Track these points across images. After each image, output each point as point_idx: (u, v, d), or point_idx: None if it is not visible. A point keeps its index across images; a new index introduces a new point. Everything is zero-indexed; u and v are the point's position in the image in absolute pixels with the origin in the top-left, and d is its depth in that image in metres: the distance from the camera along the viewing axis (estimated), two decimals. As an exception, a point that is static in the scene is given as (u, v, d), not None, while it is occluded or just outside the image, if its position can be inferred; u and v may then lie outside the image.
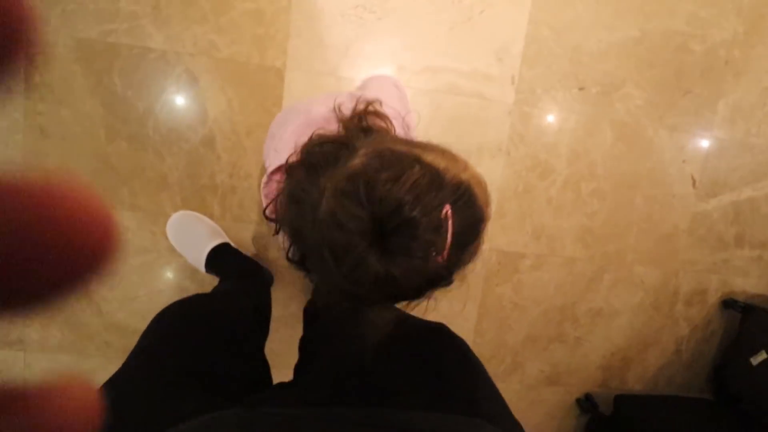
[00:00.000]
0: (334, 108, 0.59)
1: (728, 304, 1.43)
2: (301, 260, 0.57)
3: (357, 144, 0.50)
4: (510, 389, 1.44)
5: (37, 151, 1.14)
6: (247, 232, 1.25)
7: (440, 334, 0.62)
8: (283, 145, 0.61)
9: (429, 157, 0.46)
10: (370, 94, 0.65)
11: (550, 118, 1.29)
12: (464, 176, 0.47)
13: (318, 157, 0.51)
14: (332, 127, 0.58)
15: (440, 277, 0.48)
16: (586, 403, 1.45)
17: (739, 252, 1.43)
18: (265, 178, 0.64)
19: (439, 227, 0.44)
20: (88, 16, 1.10)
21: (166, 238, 1.20)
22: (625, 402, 1.36)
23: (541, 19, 1.23)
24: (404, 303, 0.53)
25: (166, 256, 1.23)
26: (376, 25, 1.19)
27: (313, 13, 1.16)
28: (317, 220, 0.46)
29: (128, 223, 1.20)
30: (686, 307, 1.46)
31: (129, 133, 1.16)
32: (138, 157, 1.17)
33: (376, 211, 0.43)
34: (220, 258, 1.15)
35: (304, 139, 0.56)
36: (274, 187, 0.62)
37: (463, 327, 1.37)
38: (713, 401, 1.43)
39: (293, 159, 0.56)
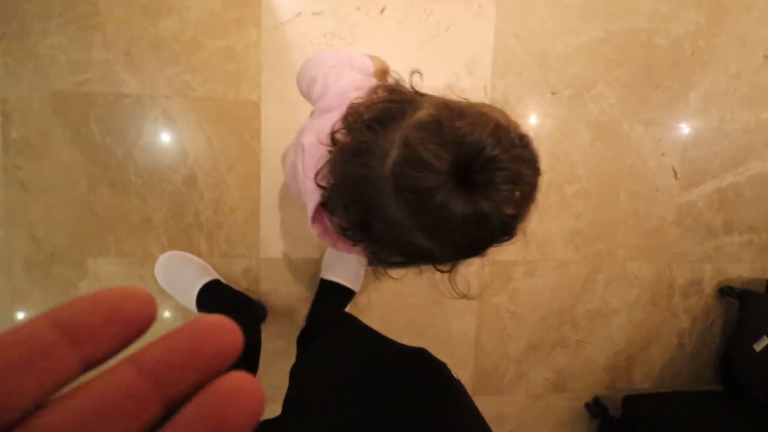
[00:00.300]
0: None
1: (725, 291, 1.43)
2: (360, 225, 0.54)
3: (417, 101, 0.52)
4: (516, 400, 1.41)
5: (19, 205, 1.14)
6: (237, 267, 1.24)
7: (420, 358, 0.61)
8: (309, 187, 0.60)
9: (490, 112, 0.48)
10: (335, 88, 0.65)
11: (527, 125, 1.31)
12: (521, 131, 0.49)
13: (380, 113, 0.51)
14: (324, 148, 0.57)
15: (510, 227, 0.49)
16: (595, 407, 1.43)
17: (729, 238, 1.43)
18: (309, 222, 0.62)
19: (518, 164, 0.46)
20: (61, 68, 1.11)
21: (156, 280, 1.19)
22: (633, 402, 1.34)
23: (507, 30, 1.26)
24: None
25: (156, 299, 1.21)
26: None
27: (283, 45, 1.18)
28: (390, 170, 0.46)
29: (116, 270, 1.19)
30: (683, 299, 1.45)
31: (110, 180, 1.16)
32: (121, 203, 1.17)
33: (462, 150, 0.44)
34: (211, 295, 1.14)
35: (321, 161, 0.56)
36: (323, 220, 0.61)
37: (462, 341, 1.36)
38: (723, 392, 1.41)
39: (337, 128, 0.55)
